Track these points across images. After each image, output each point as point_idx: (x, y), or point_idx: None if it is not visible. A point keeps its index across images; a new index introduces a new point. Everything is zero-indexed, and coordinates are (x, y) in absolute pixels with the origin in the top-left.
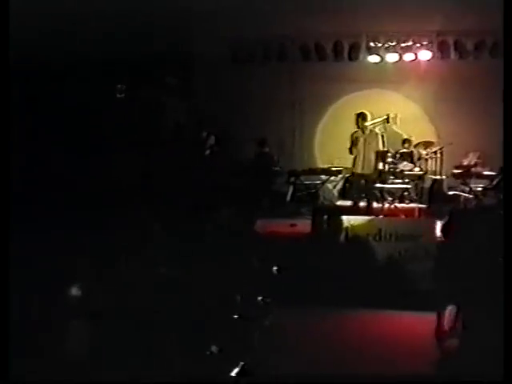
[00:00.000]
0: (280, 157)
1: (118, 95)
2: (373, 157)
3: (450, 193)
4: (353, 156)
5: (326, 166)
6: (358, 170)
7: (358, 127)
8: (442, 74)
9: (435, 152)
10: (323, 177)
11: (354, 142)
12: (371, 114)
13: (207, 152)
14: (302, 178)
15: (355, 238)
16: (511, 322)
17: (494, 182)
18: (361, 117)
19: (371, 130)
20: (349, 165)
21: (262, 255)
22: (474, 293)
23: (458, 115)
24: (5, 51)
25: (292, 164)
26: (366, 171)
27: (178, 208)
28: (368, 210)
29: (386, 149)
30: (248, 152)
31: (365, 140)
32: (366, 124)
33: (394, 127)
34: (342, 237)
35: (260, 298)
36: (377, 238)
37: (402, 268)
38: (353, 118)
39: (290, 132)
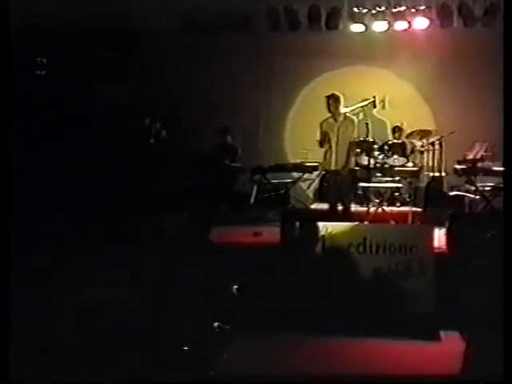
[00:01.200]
0: (242, 149)
1: (38, 72)
2: (347, 147)
3: (452, 193)
4: (324, 149)
5: (298, 161)
6: (338, 167)
7: (332, 113)
8: (443, 47)
9: (433, 143)
10: (295, 174)
11: (324, 133)
12: (354, 95)
13: (151, 142)
14: (269, 175)
15: (334, 250)
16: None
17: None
18: (331, 99)
19: (345, 117)
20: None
21: (219, 271)
22: (481, 317)
23: (461, 97)
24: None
25: (256, 158)
26: (341, 167)
27: (112, 212)
28: (350, 215)
29: (371, 139)
30: (202, 143)
31: (338, 129)
32: (344, 109)
33: (382, 112)
34: (318, 248)
35: (216, 325)
36: (361, 249)
37: (392, 286)
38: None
39: (255, 119)
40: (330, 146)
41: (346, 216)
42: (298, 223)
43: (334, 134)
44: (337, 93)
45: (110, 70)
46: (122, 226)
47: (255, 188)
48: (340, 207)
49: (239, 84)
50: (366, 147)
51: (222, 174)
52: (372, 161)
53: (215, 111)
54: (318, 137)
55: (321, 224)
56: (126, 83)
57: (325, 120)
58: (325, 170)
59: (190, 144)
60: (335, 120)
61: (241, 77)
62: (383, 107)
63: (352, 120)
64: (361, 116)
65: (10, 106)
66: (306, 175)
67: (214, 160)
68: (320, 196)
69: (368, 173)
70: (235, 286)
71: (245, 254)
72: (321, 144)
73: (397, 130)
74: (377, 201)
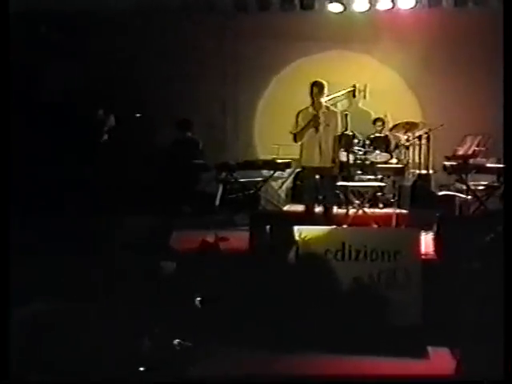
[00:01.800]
0: (206, 144)
1: None
2: (330, 144)
3: (440, 193)
4: (299, 143)
5: (269, 158)
6: (314, 163)
7: (313, 103)
8: (431, 29)
9: (419, 137)
10: (265, 172)
11: (302, 125)
12: (332, 84)
13: (104, 138)
14: (236, 173)
15: (309, 257)
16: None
17: (502, 179)
18: (316, 87)
19: (328, 108)
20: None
21: (180, 281)
22: (473, 330)
23: (451, 86)
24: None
25: (222, 154)
26: (325, 164)
27: (59, 214)
28: (327, 218)
29: (351, 132)
30: (162, 138)
31: (318, 117)
32: (324, 99)
33: (363, 103)
34: (291, 255)
35: (177, 342)
36: (339, 255)
37: (373, 297)
38: (305, 92)
39: (220, 110)
40: (312, 140)
41: (323, 219)
42: (268, 227)
43: (313, 127)
44: (321, 80)
45: (58, 55)
46: (66, 231)
47: (220, 188)
48: (316, 209)
49: (202, 71)
50: (345, 142)
51: (182, 173)
52: (351, 157)
53: (175, 102)
54: (293, 129)
55: (294, 228)
56: (76, 69)
57: (302, 111)
58: (301, 168)
59: (147, 139)
60: (316, 111)
61: (204, 63)
62: (364, 97)
63: (335, 112)
64: (339, 107)
65: None
66: (278, 173)
67: (173, 157)
68: (293, 196)
69: (347, 170)
70: (198, 298)
71: (209, 261)
72: (295, 138)
73: (379, 122)
74: (357, 202)
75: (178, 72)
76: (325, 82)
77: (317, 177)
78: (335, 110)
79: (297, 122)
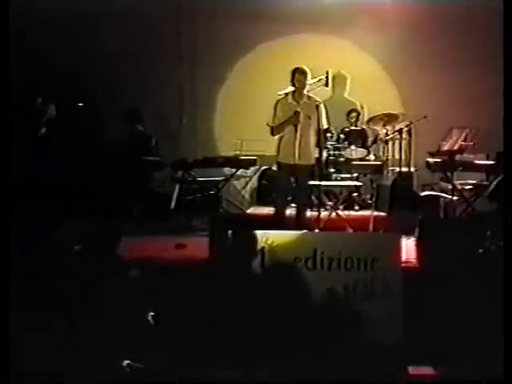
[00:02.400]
0: (159, 138)
1: None
2: (311, 139)
3: (423, 193)
4: (276, 137)
5: (231, 154)
6: (292, 160)
7: (294, 92)
8: (413, 10)
9: (400, 130)
10: (227, 170)
11: (280, 117)
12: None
13: (42, 130)
14: (195, 172)
15: (276, 266)
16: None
17: (492, 177)
18: (300, 75)
19: (309, 97)
20: (268, 151)
21: (131, 294)
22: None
23: (435, 74)
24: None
25: (178, 150)
26: (304, 162)
27: None
28: (297, 222)
29: (324, 126)
30: (108, 130)
31: (300, 113)
32: (290, 88)
33: (339, 92)
34: (256, 263)
35: (126, 363)
36: (310, 264)
37: (349, 311)
38: (272, 80)
39: (176, 100)
40: (286, 134)
41: (292, 223)
42: (230, 232)
43: (293, 120)
44: (303, 66)
45: None
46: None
47: (177, 188)
48: (287, 211)
49: (156, 56)
50: (317, 136)
51: (132, 171)
52: (324, 153)
53: (124, 90)
54: (270, 121)
55: (260, 233)
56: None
57: (280, 100)
58: (276, 164)
59: (91, 132)
60: (297, 101)
61: (157, 46)
62: (326, 85)
63: (318, 103)
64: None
65: None
66: (241, 172)
67: (121, 153)
68: (259, 198)
69: (319, 168)
70: (151, 314)
71: (164, 272)
72: (272, 131)
73: (353, 113)
74: (330, 203)
75: (128, 56)
76: (307, 69)
77: (287, 176)
78: (318, 100)
79: (275, 113)
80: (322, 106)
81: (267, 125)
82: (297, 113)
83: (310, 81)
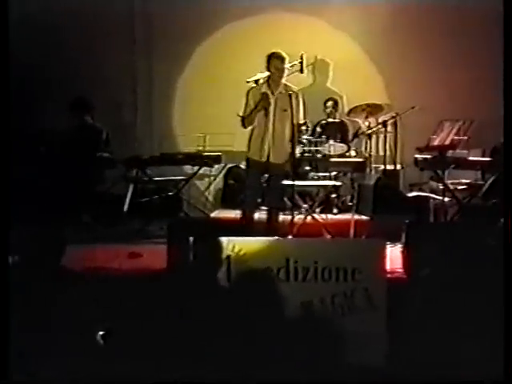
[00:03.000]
0: (111, 132)
1: None
2: (285, 134)
3: (411, 194)
4: (246, 131)
5: (193, 150)
6: (254, 156)
7: (268, 80)
8: None
9: (384, 123)
10: (188, 169)
11: (251, 106)
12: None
13: None
14: (151, 170)
15: (244, 277)
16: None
17: (489, 176)
18: (277, 61)
19: (286, 87)
20: (236, 147)
21: (77, 310)
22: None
23: (424, 60)
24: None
25: (132, 146)
26: (276, 160)
27: None
28: (268, 227)
29: (301, 120)
30: (52, 123)
31: (275, 103)
32: (260, 74)
33: (314, 79)
34: (222, 274)
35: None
36: (282, 274)
37: (326, 327)
38: (242, 65)
39: (128, 89)
40: (257, 127)
41: (262, 228)
42: (191, 239)
43: (267, 111)
44: (279, 51)
45: None
46: None
47: (130, 189)
48: (256, 215)
49: (105, 40)
50: (292, 130)
51: (79, 169)
52: (298, 149)
53: (71, 77)
54: (241, 111)
55: (225, 240)
56: None
57: (252, 89)
58: (245, 161)
59: (32, 125)
60: (271, 91)
61: (108, 30)
62: (301, 71)
63: (295, 93)
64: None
65: None
66: (205, 170)
67: (67, 149)
68: (224, 200)
69: (293, 166)
70: (101, 332)
71: (115, 284)
72: (243, 122)
73: (330, 102)
74: (305, 206)
75: (76, 41)
76: (285, 54)
77: (257, 175)
78: (296, 90)
79: (247, 103)
80: (300, 96)
81: (238, 115)
82: (265, 95)
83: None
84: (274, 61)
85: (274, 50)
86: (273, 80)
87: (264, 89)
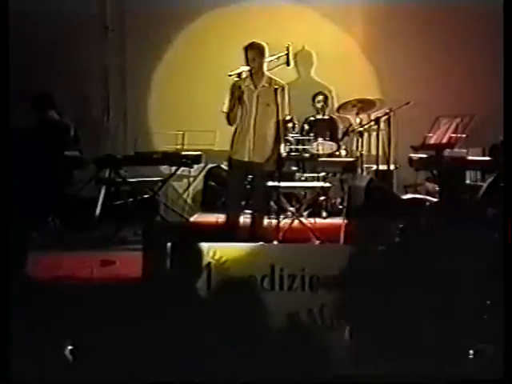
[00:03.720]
0: (80, 129)
1: None
2: (270, 131)
3: (405, 196)
4: (229, 129)
5: (170, 149)
6: (237, 156)
7: (251, 73)
8: None
9: (377, 120)
10: (165, 169)
11: (235, 100)
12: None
13: None
14: (125, 170)
15: (225, 285)
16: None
17: (489, 176)
18: (252, 51)
19: (270, 80)
20: (217, 146)
21: (44, 323)
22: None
23: (420, 52)
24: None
25: (103, 144)
26: (257, 158)
27: None
28: (251, 231)
29: (286, 115)
30: (14, 119)
31: (258, 97)
32: (243, 67)
33: (302, 73)
34: (201, 283)
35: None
36: (266, 283)
37: (315, 339)
38: (223, 56)
39: (99, 82)
40: (240, 123)
41: (245, 233)
42: (169, 245)
43: (250, 105)
44: (260, 42)
45: None
46: None
47: (102, 191)
48: (236, 219)
49: (75, 32)
50: (277, 127)
51: (45, 170)
52: (285, 147)
53: (33, 68)
54: (225, 107)
55: (205, 246)
56: None
57: (235, 83)
58: (227, 161)
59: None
60: (254, 85)
61: (79, 21)
62: (287, 63)
63: (280, 87)
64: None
65: None
66: (183, 170)
67: (31, 147)
68: (204, 203)
69: (279, 166)
70: (69, 347)
71: (86, 294)
72: (228, 119)
73: (320, 97)
74: (291, 209)
75: (40, 26)
76: (264, 44)
77: (241, 175)
78: (281, 83)
79: (231, 98)
80: (286, 90)
81: (222, 111)
82: (234, 86)
83: (268, 58)
84: (252, 52)
85: (251, 41)
86: (254, 73)
87: (247, 82)
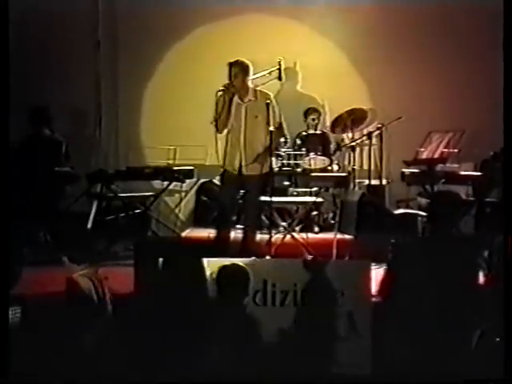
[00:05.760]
0: (72, 144)
1: None
2: (260, 144)
3: (397, 211)
4: (223, 140)
5: (162, 164)
6: (230, 168)
7: (234, 88)
8: None
9: (369, 134)
10: (157, 184)
11: (221, 108)
12: (249, 61)
13: None
14: (117, 185)
15: (218, 301)
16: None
17: (481, 192)
18: (236, 68)
19: (257, 93)
20: (209, 160)
21: (35, 339)
22: None
23: (411, 66)
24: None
25: (95, 159)
26: (248, 171)
27: None
28: (244, 247)
29: (273, 128)
30: (7, 134)
31: (245, 111)
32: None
33: (291, 87)
34: (194, 298)
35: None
36: (259, 298)
37: (306, 355)
38: (214, 72)
39: (91, 96)
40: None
41: (237, 248)
42: (161, 260)
43: (239, 118)
44: (243, 59)
45: None
46: None
47: (94, 206)
48: (228, 235)
49: (67, 41)
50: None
51: (37, 185)
52: (276, 162)
53: (27, 83)
54: (210, 119)
55: (197, 261)
56: None
57: (221, 96)
58: (220, 173)
59: None
60: (241, 99)
61: (70, 33)
62: (279, 78)
63: (267, 98)
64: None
65: None
66: (175, 185)
67: (23, 161)
68: (196, 218)
69: (271, 181)
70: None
71: (77, 310)
72: (217, 126)
73: (313, 114)
74: (284, 224)
75: (31, 42)
76: (248, 62)
77: (233, 190)
78: (269, 96)
79: (217, 109)
80: (273, 102)
81: (211, 123)
82: (220, 91)
83: (258, 74)
84: (234, 68)
85: (234, 59)
86: (238, 88)
87: (234, 97)
